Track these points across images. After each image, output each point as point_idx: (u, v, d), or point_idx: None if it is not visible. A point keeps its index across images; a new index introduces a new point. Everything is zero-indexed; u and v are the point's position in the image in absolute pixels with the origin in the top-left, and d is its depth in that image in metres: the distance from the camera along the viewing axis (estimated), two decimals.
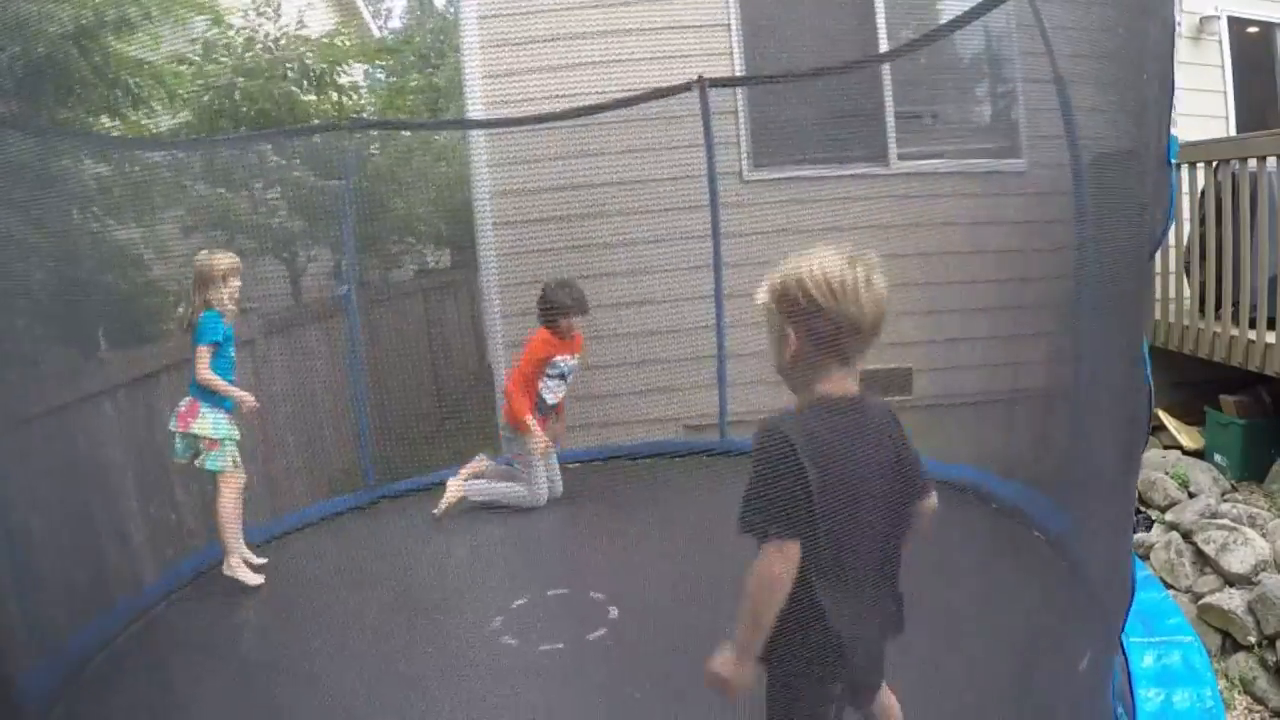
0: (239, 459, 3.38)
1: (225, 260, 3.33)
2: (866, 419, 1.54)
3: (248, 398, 3.35)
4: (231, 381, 3.33)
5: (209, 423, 3.25)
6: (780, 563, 1.41)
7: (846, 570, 1.48)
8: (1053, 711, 2.16)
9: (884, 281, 1.50)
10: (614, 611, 2.93)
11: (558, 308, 4.04)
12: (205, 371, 3.22)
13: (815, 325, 1.47)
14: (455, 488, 4.09)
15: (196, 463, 3.29)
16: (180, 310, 3.42)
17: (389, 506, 4.29)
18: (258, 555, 3.54)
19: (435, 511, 4.00)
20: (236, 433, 3.36)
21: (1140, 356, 1.68)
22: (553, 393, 4.16)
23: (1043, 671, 2.22)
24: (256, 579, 3.32)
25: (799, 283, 1.48)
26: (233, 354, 3.35)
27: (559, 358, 4.11)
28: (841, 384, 1.52)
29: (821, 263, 1.48)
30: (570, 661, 2.72)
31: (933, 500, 1.63)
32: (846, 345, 1.49)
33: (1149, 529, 4.27)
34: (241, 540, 3.46)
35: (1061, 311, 3.07)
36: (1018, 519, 3.42)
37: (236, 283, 3.32)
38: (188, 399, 3.28)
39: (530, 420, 4.00)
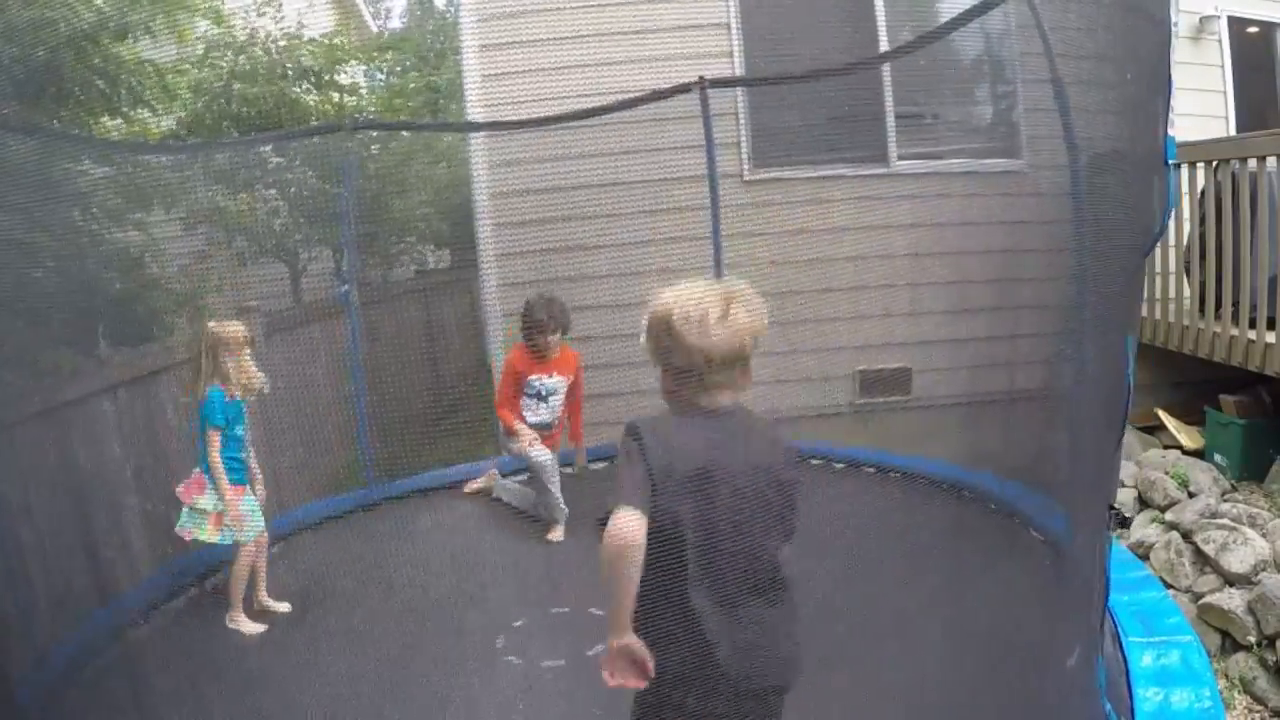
0: (258, 522, 3.26)
1: (235, 330, 3.17)
2: (728, 424, 1.58)
3: (235, 507, 3.14)
4: (240, 460, 3.20)
5: (213, 501, 3.14)
6: (618, 522, 1.45)
7: (709, 573, 1.52)
8: (1042, 708, 2.17)
9: (746, 312, 1.57)
10: None
11: (533, 324, 3.91)
12: (216, 456, 3.10)
13: (672, 360, 1.56)
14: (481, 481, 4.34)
15: (205, 537, 3.16)
16: (187, 374, 3.26)
17: (389, 514, 4.23)
18: (278, 602, 3.42)
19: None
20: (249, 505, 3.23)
21: (1125, 356, 1.69)
22: (533, 412, 4.05)
23: (1034, 668, 2.23)
24: (257, 628, 3.17)
25: (656, 321, 1.58)
26: (241, 433, 3.20)
27: (532, 377, 4.01)
28: (711, 400, 1.58)
29: (676, 299, 1.57)
30: (573, 677, 2.71)
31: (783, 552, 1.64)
32: (703, 375, 1.55)
33: (1126, 526, 4.28)
34: (263, 588, 3.36)
35: (1056, 312, 3.08)
36: (1016, 519, 3.43)
37: (247, 352, 3.17)
38: (196, 471, 3.17)
39: (516, 424, 3.96)
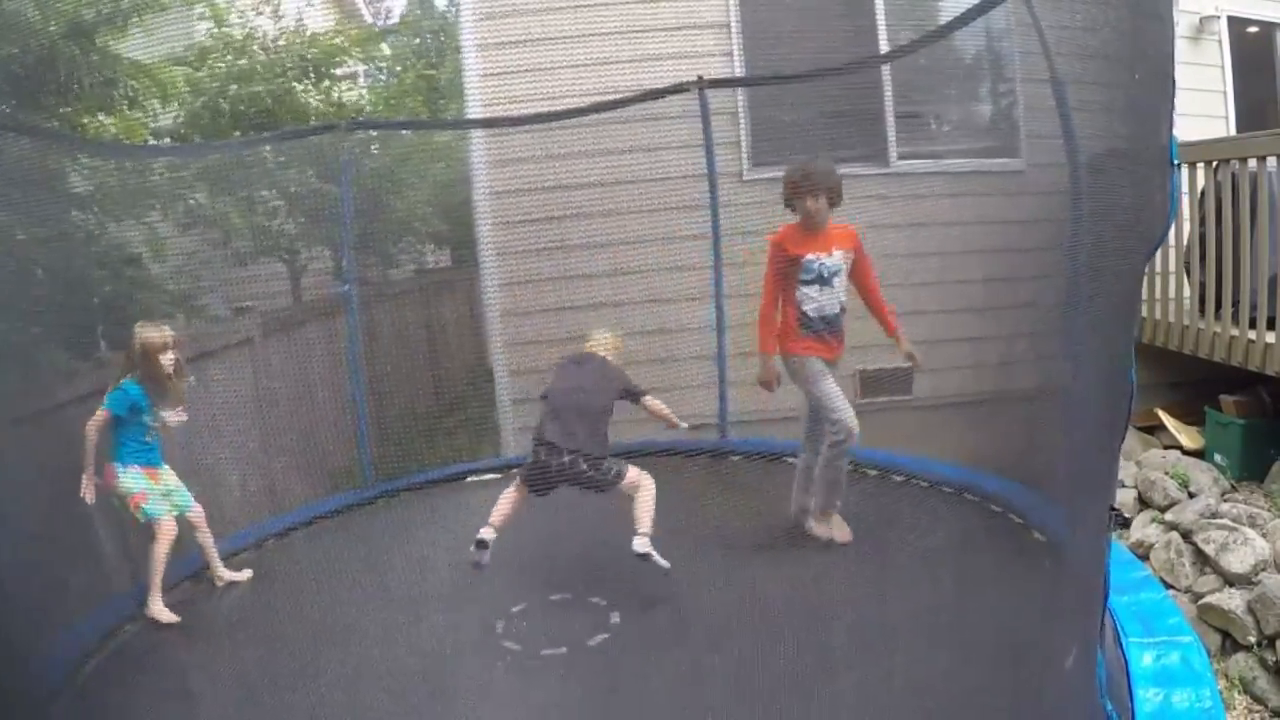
0: (181, 499, 3.31)
1: (157, 335, 3.19)
2: (574, 359, 3.46)
3: (89, 483, 3.14)
4: (148, 445, 3.23)
5: (127, 481, 3.19)
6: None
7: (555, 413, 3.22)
8: (1039, 709, 2.17)
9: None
10: (615, 616, 2.93)
11: (799, 189, 3.18)
12: (89, 423, 3.13)
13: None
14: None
15: (139, 516, 3.20)
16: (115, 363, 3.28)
17: (387, 507, 4.25)
18: (237, 572, 3.51)
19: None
20: (159, 485, 3.26)
21: (1128, 356, 1.69)
22: (814, 302, 3.23)
23: (1034, 669, 2.23)
24: (172, 618, 3.14)
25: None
26: (148, 421, 3.22)
27: (809, 257, 3.21)
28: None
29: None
30: (572, 666, 2.72)
31: (647, 401, 3.44)
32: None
33: (1126, 526, 4.28)
34: (217, 562, 3.43)
35: (1056, 311, 3.08)
36: (1016, 518, 3.43)
37: (170, 357, 3.19)
38: (110, 465, 3.22)
39: (765, 356, 3.33)
